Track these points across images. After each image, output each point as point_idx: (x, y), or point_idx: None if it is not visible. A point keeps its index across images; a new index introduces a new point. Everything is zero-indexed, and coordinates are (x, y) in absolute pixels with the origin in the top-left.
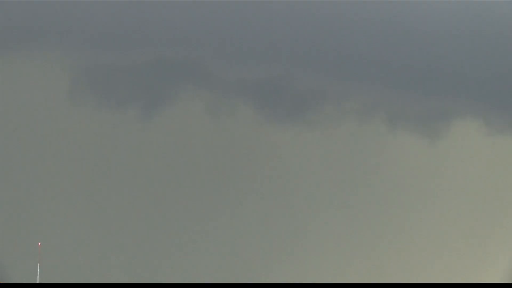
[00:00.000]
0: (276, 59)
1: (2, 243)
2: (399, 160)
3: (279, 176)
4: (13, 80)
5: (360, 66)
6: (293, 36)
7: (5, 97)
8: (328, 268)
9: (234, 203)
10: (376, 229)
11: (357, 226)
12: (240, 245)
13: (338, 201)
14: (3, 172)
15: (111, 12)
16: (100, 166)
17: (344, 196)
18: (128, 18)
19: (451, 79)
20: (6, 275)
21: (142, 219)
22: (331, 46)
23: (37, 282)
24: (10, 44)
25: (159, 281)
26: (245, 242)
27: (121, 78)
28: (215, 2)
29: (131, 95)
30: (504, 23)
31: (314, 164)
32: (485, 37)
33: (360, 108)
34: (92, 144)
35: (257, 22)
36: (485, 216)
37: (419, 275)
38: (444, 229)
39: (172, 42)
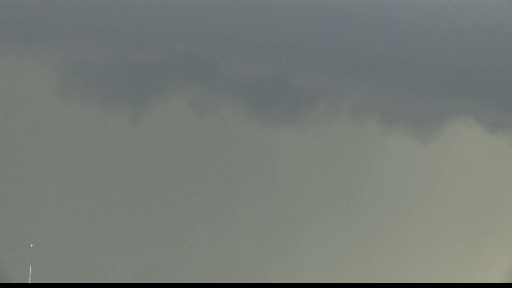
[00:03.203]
0: (270, 58)
1: None
2: (393, 159)
3: (273, 175)
4: (2, 76)
5: (354, 65)
6: (287, 35)
7: None
8: (323, 268)
9: (227, 201)
10: (372, 228)
11: (353, 225)
12: (238, 244)
13: (333, 200)
14: None
15: (101, 8)
16: (92, 164)
17: (338, 195)
18: (119, 14)
19: (445, 78)
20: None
21: (134, 217)
22: (325, 44)
23: (29, 282)
24: None
25: (154, 281)
26: (242, 241)
27: (111, 74)
28: (209, 1)
29: (121, 91)
30: (499, 22)
31: (307, 163)
32: (479, 36)
33: (354, 106)
34: (83, 141)
35: (251, 22)
36: (484, 215)
37: (418, 275)
38: (441, 228)
39: (165, 40)
